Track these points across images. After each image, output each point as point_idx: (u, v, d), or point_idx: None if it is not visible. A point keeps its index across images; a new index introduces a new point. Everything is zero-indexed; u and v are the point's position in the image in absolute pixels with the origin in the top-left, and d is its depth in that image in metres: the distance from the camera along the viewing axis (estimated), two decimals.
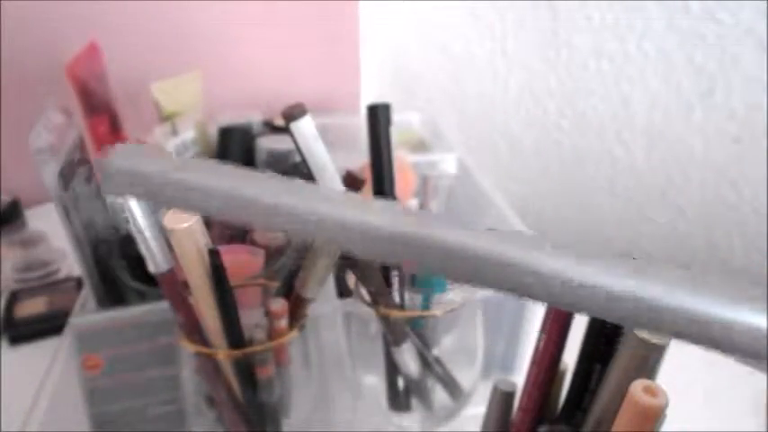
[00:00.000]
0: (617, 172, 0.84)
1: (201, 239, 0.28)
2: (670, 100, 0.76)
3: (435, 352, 0.35)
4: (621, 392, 0.22)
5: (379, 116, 0.32)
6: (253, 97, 0.87)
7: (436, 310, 0.34)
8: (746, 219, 0.75)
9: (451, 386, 0.36)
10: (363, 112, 0.32)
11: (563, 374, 0.27)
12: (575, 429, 0.27)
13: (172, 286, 0.29)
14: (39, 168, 0.38)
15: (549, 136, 0.89)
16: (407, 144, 0.76)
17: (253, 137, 0.63)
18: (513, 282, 0.13)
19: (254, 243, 0.42)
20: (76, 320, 0.39)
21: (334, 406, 0.44)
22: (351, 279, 0.35)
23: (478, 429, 0.30)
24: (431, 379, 0.36)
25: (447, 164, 0.66)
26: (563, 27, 0.81)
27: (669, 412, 0.21)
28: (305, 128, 0.29)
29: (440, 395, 0.36)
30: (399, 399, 0.36)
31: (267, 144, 0.62)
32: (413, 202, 0.55)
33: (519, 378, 0.28)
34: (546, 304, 0.17)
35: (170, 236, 0.27)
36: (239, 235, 0.44)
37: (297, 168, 0.59)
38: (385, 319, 0.33)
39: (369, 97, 0.98)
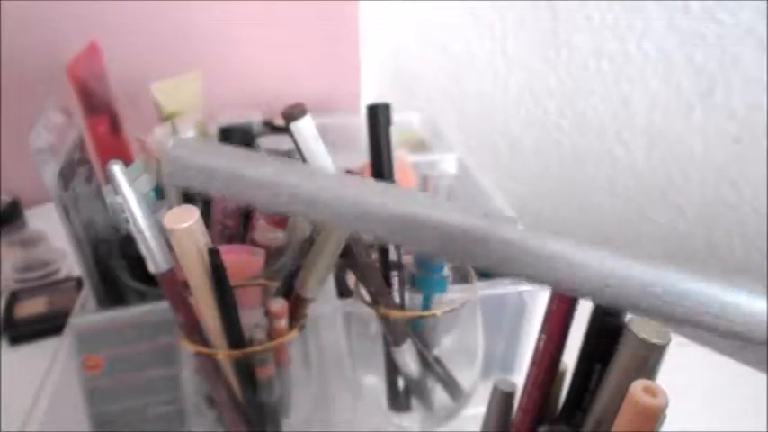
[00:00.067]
0: (617, 172, 0.84)
1: (201, 239, 0.28)
2: (670, 100, 0.76)
3: (435, 352, 0.35)
4: (621, 392, 0.22)
5: (379, 116, 0.32)
6: (253, 97, 0.87)
7: (436, 310, 0.34)
8: (746, 219, 0.75)
9: (451, 386, 0.36)
10: (363, 112, 0.32)
11: (563, 374, 0.27)
12: (575, 429, 0.27)
13: (172, 286, 0.29)
14: (39, 168, 0.38)
15: (549, 136, 0.89)
16: (407, 144, 0.76)
17: (253, 137, 0.63)
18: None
19: (254, 243, 0.42)
20: (76, 320, 0.39)
21: (334, 406, 0.44)
22: (351, 279, 0.35)
23: (478, 429, 0.30)
24: (431, 379, 0.36)
25: (447, 164, 0.66)
26: (563, 27, 0.81)
27: (669, 412, 0.21)
28: (305, 128, 0.29)
29: (440, 395, 0.36)
30: (399, 399, 0.36)
31: (267, 144, 0.62)
32: None
33: (519, 378, 0.28)
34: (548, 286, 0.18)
35: (170, 236, 0.27)
36: (239, 235, 0.44)
37: None
38: (385, 319, 0.33)
39: (369, 97, 0.98)
